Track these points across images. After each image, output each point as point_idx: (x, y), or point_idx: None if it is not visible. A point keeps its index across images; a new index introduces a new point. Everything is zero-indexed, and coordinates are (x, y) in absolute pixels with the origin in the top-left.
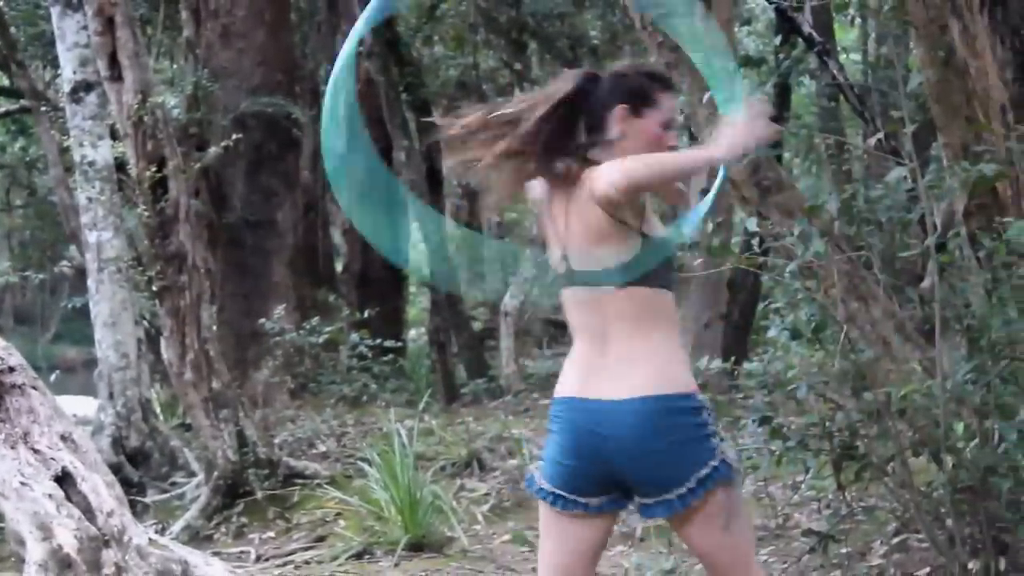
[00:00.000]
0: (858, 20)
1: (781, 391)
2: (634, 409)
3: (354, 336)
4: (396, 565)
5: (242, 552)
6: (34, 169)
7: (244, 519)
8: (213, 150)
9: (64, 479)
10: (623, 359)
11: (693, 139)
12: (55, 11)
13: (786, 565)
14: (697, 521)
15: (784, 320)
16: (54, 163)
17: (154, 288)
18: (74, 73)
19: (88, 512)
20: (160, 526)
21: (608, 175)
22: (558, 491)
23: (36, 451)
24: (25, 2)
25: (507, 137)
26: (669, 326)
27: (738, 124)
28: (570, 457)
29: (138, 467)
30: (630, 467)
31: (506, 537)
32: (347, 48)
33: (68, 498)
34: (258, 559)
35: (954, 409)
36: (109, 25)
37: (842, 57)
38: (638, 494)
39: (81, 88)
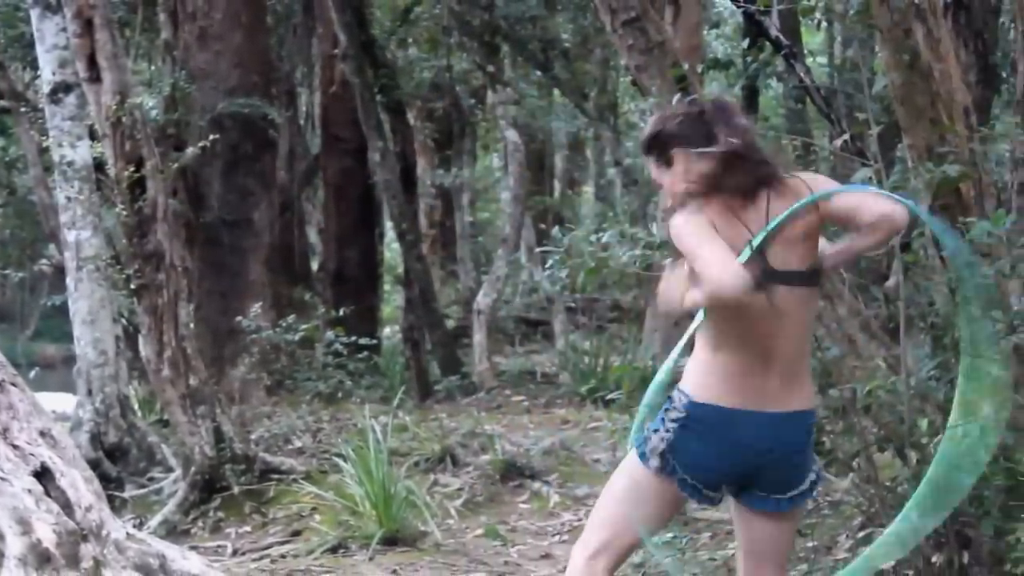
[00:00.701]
0: (824, 24)
1: None
2: (795, 423)
3: (329, 334)
4: (371, 559)
5: (219, 546)
6: (14, 169)
7: (221, 514)
8: (190, 150)
9: (43, 474)
10: (788, 370)
11: None
12: (35, 13)
13: None
14: (789, 518)
15: None
16: (34, 163)
17: (132, 286)
18: (53, 74)
19: (67, 507)
20: (138, 521)
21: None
22: (699, 485)
23: (15, 447)
24: (5, 4)
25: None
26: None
27: None
28: (723, 465)
29: (116, 462)
30: (772, 469)
31: (479, 531)
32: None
33: (47, 493)
34: (234, 553)
35: (918, 405)
36: (88, 27)
37: (809, 60)
38: (758, 488)
39: (60, 89)
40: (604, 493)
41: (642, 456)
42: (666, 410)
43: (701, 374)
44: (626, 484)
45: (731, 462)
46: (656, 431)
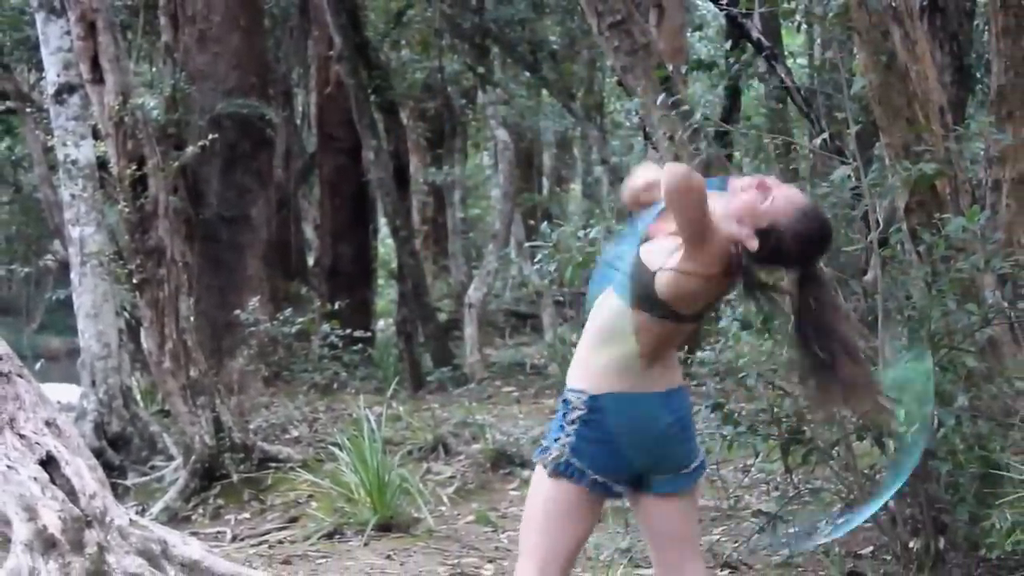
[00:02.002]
0: (804, 26)
1: (732, 379)
2: (680, 397)
3: (325, 326)
4: (365, 544)
5: (218, 532)
6: (20, 167)
7: (220, 501)
8: (190, 149)
9: (49, 463)
10: (662, 361)
11: (647, 138)
12: (39, 17)
13: (737, 544)
14: (692, 496)
15: (735, 311)
16: (39, 161)
17: (134, 281)
18: (58, 76)
19: (72, 494)
20: (140, 508)
21: None
22: (608, 481)
23: (22, 436)
24: (10, 8)
25: None
26: None
27: None
28: (634, 450)
29: (119, 451)
30: (675, 444)
31: (470, 518)
32: None
33: (52, 481)
34: (234, 539)
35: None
36: (91, 30)
37: (789, 61)
38: (657, 472)
39: (64, 90)
40: (527, 520)
41: (551, 471)
42: (563, 415)
43: (592, 373)
44: (543, 505)
45: (641, 440)
46: (556, 439)
